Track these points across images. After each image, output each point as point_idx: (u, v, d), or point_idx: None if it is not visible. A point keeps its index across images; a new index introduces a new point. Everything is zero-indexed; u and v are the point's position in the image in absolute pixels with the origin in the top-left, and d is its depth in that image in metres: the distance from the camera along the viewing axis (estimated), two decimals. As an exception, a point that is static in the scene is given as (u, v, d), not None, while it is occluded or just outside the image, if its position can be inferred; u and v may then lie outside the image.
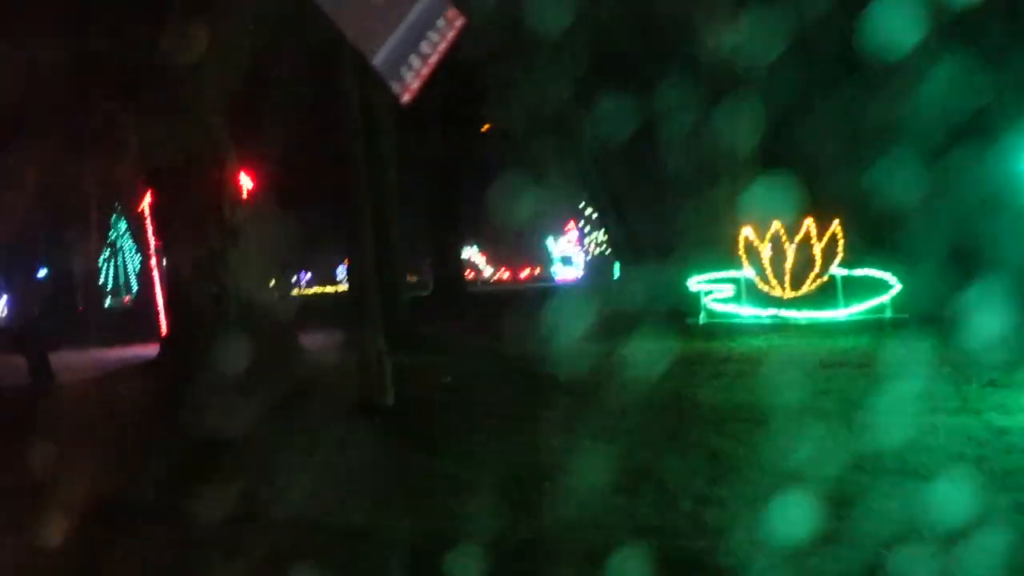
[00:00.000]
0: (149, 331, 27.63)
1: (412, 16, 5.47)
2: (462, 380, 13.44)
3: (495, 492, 6.83)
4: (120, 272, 49.01)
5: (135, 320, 32.54)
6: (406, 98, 5.47)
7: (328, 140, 18.53)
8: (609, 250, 74.77)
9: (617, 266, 71.92)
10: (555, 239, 74.64)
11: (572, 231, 73.35)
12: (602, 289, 29.86)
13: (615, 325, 17.75)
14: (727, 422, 9.19)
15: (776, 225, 16.88)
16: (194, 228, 14.94)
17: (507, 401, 11.39)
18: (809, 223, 16.61)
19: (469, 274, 61.11)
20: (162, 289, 27.24)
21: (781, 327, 16.72)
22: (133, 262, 45.98)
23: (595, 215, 67.18)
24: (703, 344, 15.77)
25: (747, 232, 17.31)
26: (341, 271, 67.17)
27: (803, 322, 16.76)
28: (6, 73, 17.99)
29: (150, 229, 27.22)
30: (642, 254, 25.86)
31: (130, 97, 15.59)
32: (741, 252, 17.30)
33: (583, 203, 71.14)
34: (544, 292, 39.25)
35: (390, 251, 18.90)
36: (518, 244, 76.99)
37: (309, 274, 71.65)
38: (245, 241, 15.35)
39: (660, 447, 8.28)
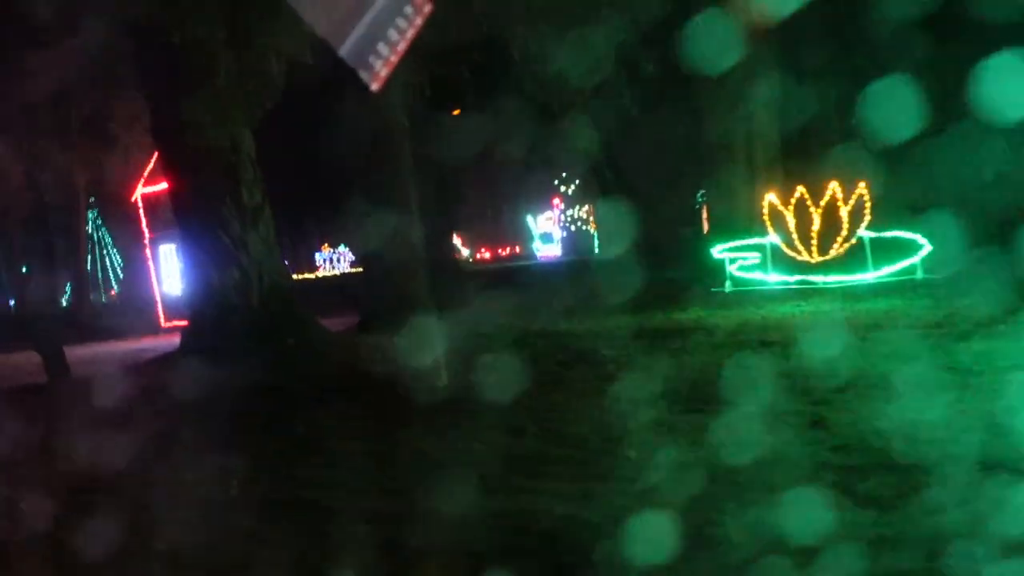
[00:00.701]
0: (142, 324, 27.29)
1: (379, 4, 5.30)
2: (502, 358, 13.05)
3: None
4: (98, 266, 48.18)
5: (124, 314, 32.01)
6: (375, 86, 5.29)
7: (320, 125, 18.32)
8: (590, 226, 74.81)
9: (596, 242, 71.97)
10: (535, 217, 74.42)
11: (552, 208, 73.20)
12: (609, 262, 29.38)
13: (636, 296, 17.57)
14: (812, 390, 8.86)
15: (800, 190, 16.67)
16: (214, 213, 14.53)
17: (559, 378, 11.07)
18: (834, 186, 16.41)
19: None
20: (157, 280, 26.89)
21: (810, 292, 16.52)
22: (112, 256, 45.16)
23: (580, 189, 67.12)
24: (736, 312, 15.52)
25: (771, 198, 17.10)
26: (319, 257, 66.63)
27: (832, 286, 16.56)
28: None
29: (144, 221, 26.82)
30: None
31: (154, 79, 15.03)
32: (766, 218, 17.09)
33: (559, 181, 71.21)
34: (536, 269, 39.08)
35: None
36: (496, 223, 76.81)
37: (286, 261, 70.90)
38: (265, 224, 14.99)
39: (758, 418, 7.97)
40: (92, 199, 39.50)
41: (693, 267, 21.20)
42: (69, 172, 27.58)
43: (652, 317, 15.83)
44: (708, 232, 52.90)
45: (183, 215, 15.22)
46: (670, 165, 31.18)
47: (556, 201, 74.52)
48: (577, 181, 68.83)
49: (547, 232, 76.09)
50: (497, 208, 74.83)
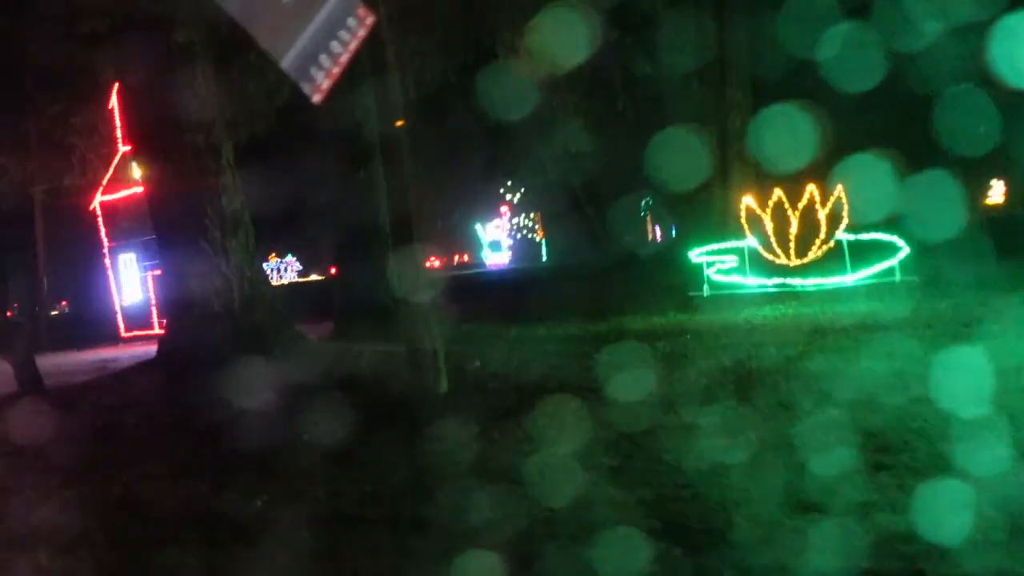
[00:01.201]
0: (100, 335, 26.77)
1: (322, 15, 5.38)
2: (491, 364, 12.93)
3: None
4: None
5: (78, 325, 31.40)
6: (317, 98, 5.37)
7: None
8: (536, 235, 75.01)
9: (545, 249, 72.16)
10: (483, 225, 74.45)
11: (502, 216, 73.38)
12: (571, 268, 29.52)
13: (611, 302, 17.59)
14: (823, 392, 8.82)
15: (778, 193, 16.76)
16: (194, 219, 14.26)
17: (557, 383, 10.97)
18: (812, 189, 16.52)
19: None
20: (117, 290, 26.38)
21: (789, 295, 16.64)
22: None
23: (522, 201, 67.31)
24: (716, 316, 15.57)
25: (748, 201, 17.18)
26: (267, 268, 65.86)
27: (811, 289, 16.68)
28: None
29: (102, 230, 26.30)
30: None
31: (135, 79, 14.73)
32: (743, 221, 17.16)
33: (504, 190, 71.35)
34: (493, 277, 38.91)
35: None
36: (444, 231, 76.72)
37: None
38: (245, 231, 14.76)
39: (772, 416, 7.95)
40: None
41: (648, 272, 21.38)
42: (25, 182, 26.94)
43: (632, 321, 15.83)
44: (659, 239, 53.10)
45: (162, 221, 14.94)
46: (623, 173, 31.43)
47: (504, 210, 74.73)
48: (523, 189, 69.21)
49: (496, 240, 76.27)
50: (445, 216, 74.89)
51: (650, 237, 73.05)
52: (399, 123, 21.65)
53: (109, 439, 9.94)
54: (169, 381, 13.40)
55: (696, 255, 17.71)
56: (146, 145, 15.08)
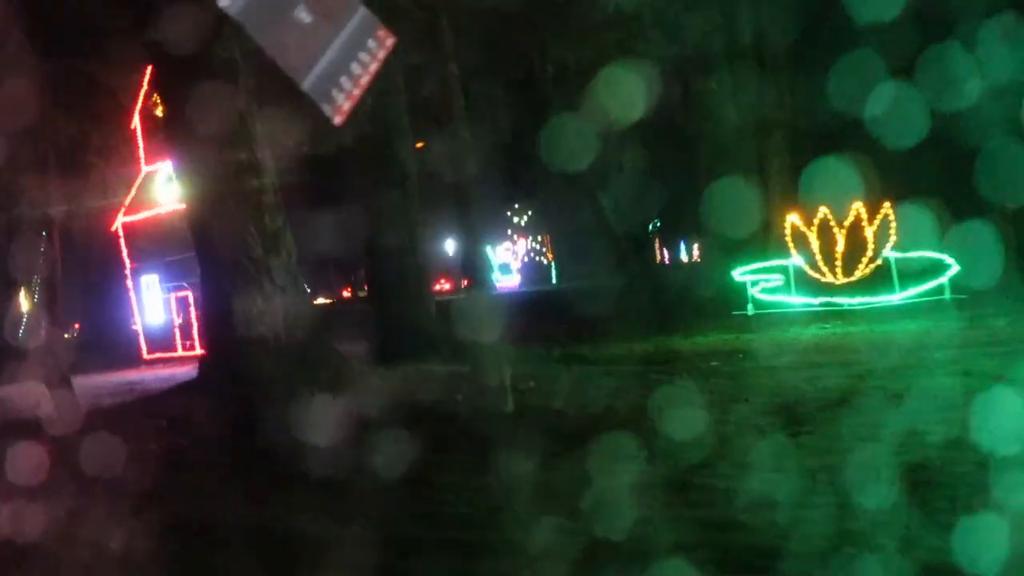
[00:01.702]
0: (121, 357, 26.44)
1: (342, 37, 5.21)
2: (544, 386, 12.62)
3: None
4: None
5: (98, 347, 31.09)
6: (338, 120, 5.12)
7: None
8: (546, 257, 74.82)
9: (555, 271, 71.96)
10: (493, 247, 74.28)
11: (511, 238, 73.29)
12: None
13: (654, 320, 17.30)
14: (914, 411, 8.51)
15: (823, 210, 16.52)
16: (235, 237, 13.96)
17: (619, 404, 10.66)
18: (858, 207, 16.27)
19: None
20: (139, 312, 26.09)
21: (835, 314, 16.37)
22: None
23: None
24: (764, 335, 15.31)
25: (793, 219, 16.93)
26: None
27: (858, 308, 16.41)
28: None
29: (124, 251, 26.05)
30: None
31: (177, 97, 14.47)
32: (788, 239, 16.91)
33: (512, 212, 71.20)
34: (523, 297, 38.40)
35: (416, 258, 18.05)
36: (454, 253, 76.39)
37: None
38: (287, 250, 14.45)
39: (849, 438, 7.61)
40: (44, 232, 38.45)
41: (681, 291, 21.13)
42: (43, 204, 26.65)
43: (677, 341, 15.59)
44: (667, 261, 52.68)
45: (203, 240, 14.61)
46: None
47: (511, 233, 74.71)
48: (530, 212, 69.07)
49: (505, 263, 76.09)
50: (454, 237, 74.73)
51: (658, 259, 73.07)
52: (419, 145, 21.63)
53: (170, 463, 9.63)
54: (214, 404, 13.04)
55: (740, 273, 17.43)
56: (187, 162, 14.77)
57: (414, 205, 18.22)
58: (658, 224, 68.56)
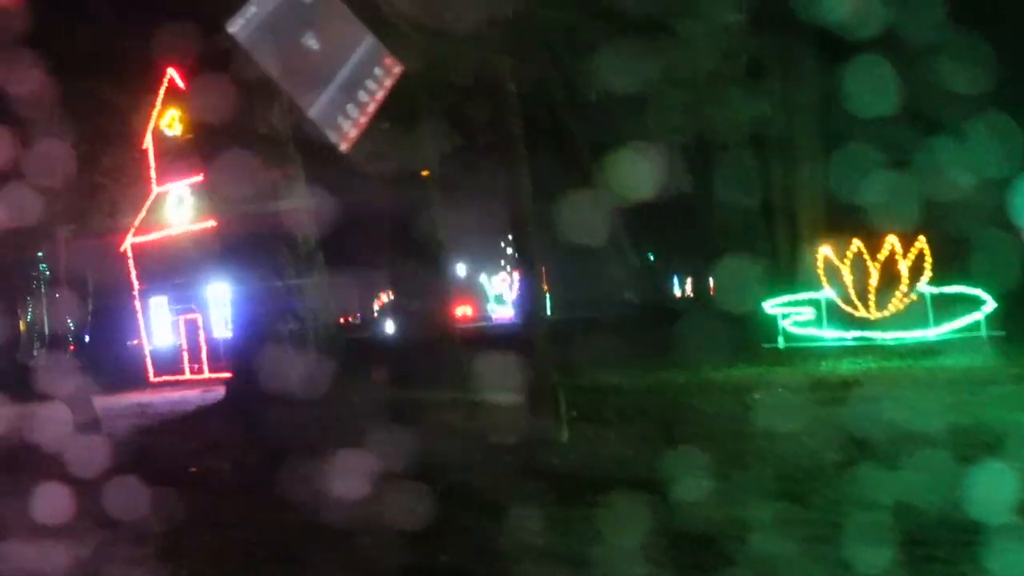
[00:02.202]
0: (126, 379, 25.95)
1: (349, 65, 5.37)
2: (589, 413, 12.27)
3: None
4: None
5: (99, 369, 30.58)
6: (344, 146, 5.35)
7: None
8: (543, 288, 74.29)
9: (549, 303, 71.50)
10: (489, 278, 74.07)
11: (505, 269, 73.11)
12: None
13: (678, 351, 17.02)
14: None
15: (857, 243, 16.34)
16: (267, 256, 13.71)
17: (672, 432, 10.39)
18: (892, 240, 16.10)
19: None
20: (147, 334, 25.70)
21: (869, 349, 16.15)
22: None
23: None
24: (797, 369, 15.07)
25: (826, 251, 16.75)
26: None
27: (891, 343, 16.20)
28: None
29: (133, 272, 25.70)
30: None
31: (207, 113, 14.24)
32: (821, 272, 16.71)
33: (506, 243, 71.08)
34: (515, 330, 38.06)
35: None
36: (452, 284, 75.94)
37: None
38: (319, 271, 14.21)
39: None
40: (40, 254, 38.03)
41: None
42: (51, 224, 26.31)
43: (709, 371, 15.32)
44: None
45: (234, 257, 14.32)
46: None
47: (504, 264, 74.52)
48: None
49: (500, 293, 75.78)
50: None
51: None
52: (424, 173, 21.29)
53: (217, 487, 9.30)
54: (246, 425, 12.72)
55: (771, 306, 17.22)
56: (218, 177, 14.51)
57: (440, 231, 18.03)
58: (651, 258, 68.59)
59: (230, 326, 16.27)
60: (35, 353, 35.40)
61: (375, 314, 54.06)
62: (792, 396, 12.60)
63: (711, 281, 28.14)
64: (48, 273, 32.15)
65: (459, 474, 8.53)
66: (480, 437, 10.04)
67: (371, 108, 5.46)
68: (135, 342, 28.59)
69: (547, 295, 71.46)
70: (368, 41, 5.49)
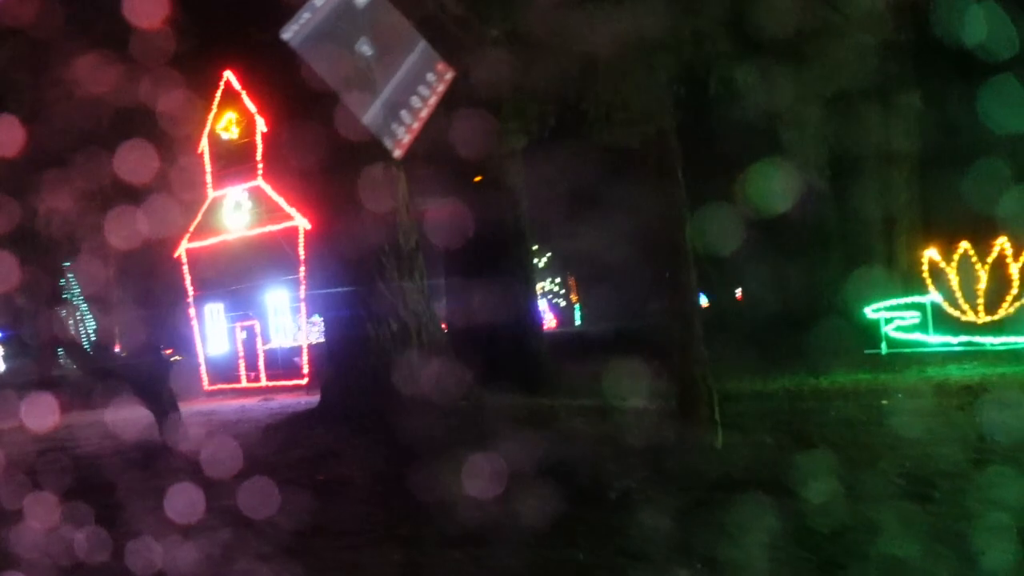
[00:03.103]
0: (179, 388, 25.38)
1: (402, 72, 5.39)
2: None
3: None
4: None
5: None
6: (398, 153, 5.44)
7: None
8: (570, 299, 74.30)
9: (578, 313, 71.47)
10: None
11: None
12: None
13: (777, 357, 16.50)
14: None
15: (964, 245, 15.82)
16: (370, 259, 13.22)
17: (823, 440, 9.87)
18: (1003, 242, 15.56)
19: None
20: (202, 341, 25.19)
21: (975, 355, 15.59)
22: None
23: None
24: (906, 375, 14.56)
25: (932, 254, 16.22)
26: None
27: (999, 348, 15.63)
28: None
29: (187, 278, 25.21)
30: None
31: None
32: (926, 275, 16.18)
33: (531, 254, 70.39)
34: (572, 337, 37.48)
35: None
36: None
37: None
38: (420, 273, 13.72)
39: None
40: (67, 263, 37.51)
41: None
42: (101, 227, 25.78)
43: (816, 379, 14.80)
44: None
45: (334, 261, 13.83)
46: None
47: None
48: (549, 254, 68.53)
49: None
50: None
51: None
52: (477, 179, 20.72)
53: (331, 497, 8.76)
54: (352, 433, 12.18)
55: (874, 311, 16.68)
56: (317, 181, 14.01)
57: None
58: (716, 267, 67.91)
59: (327, 331, 15.65)
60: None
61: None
62: (918, 401, 12.16)
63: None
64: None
65: (623, 481, 8.08)
66: (633, 442, 9.54)
67: (424, 114, 5.46)
68: (168, 351, 28.09)
69: (577, 306, 71.04)
70: (420, 46, 5.48)
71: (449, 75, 5.56)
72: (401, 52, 5.47)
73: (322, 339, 26.09)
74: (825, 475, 7.42)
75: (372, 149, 13.15)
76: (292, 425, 13.98)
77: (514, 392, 14.14)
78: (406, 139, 5.47)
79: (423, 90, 5.46)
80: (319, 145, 13.32)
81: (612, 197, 15.80)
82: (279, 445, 12.72)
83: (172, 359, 25.40)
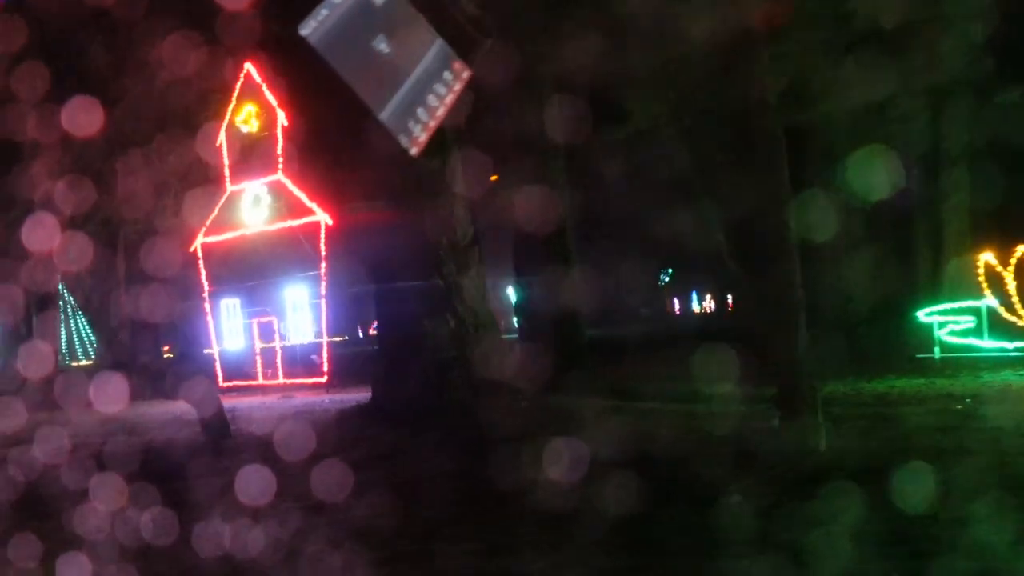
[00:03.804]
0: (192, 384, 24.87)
1: (419, 69, 5.40)
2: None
3: None
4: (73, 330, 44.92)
5: (161, 374, 29.54)
6: (414, 151, 5.38)
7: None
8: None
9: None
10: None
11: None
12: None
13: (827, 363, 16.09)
14: None
15: (1021, 250, 15.54)
16: (426, 254, 12.81)
17: (915, 444, 9.51)
18: (1061, 246, 15.32)
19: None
20: (217, 338, 24.67)
21: (1029, 360, 15.32)
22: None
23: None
24: (963, 381, 14.24)
25: (988, 257, 15.93)
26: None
27: (1058, 354, 15.38)
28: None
29: (203, 273, 24.70)
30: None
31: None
32: (982, 279, 15.89)
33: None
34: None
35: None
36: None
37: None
38: (476, 267, 13.32)
39: None
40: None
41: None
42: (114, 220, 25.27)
43: (872, 384, 14.45)
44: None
45: (389, 256, 13.39)
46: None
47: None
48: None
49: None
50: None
51: (667, 309, 72.12)
52: (493, 178, 20.33)
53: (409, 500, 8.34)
54: (411, 431, 11.73)
55: (926, 315, 16.37)
56: (372, 174, 13.58)
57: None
58: (670, 273, 67.79)
59: (379, 327, 15.18)
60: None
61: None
62: (998, 406, 11.83)
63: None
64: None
65: (734, 484, 7.68)
66: (734, 443, 9.19)
67: (441, 113, 5.41)
68: (166, 348, 27.59)
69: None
70: (437, 45, 5.46)
71: (466, 74, 5.44)
72: (418, 50, 5.40)
73: (341, 337, 25.76)
74: (944, 483, 7.09)
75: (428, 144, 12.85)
76: (344, 423, 13.52)
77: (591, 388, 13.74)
78: (423, 137, 5.33)
79: (440, 88, 5.36)
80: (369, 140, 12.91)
81: (703, 187, 15.55)
82: (340, 442, 12.27)
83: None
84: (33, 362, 20.96)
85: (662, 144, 13.38)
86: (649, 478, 7.20)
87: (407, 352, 13.05)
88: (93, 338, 37.12)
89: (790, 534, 6.05)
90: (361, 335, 45.01)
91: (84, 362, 37.27)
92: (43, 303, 27.92)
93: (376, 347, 15.79)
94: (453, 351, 12.61)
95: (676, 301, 75.72)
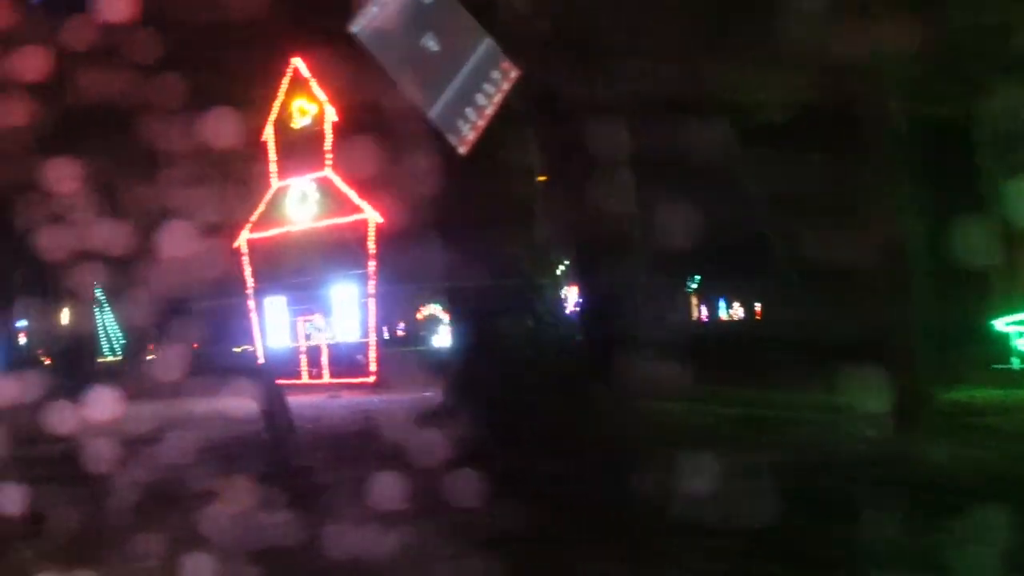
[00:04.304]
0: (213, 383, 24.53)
1: (467, 69, 5.39)
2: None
3: None
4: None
5: (198, 371, 29.28)
6: (462, 149, 5.43)
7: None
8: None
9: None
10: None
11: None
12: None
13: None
14: None
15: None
16: (508, 249, 12.53)
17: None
18: None
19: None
20: (261, 334, 24.41)
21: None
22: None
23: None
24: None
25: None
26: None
27: None
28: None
29: (247, 269, 24.44)
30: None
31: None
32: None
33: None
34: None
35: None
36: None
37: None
38: (550, 266, 13.07)
39: None
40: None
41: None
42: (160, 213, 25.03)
43: (950, 394, 14.06)
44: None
45: (464, 254, 13.06)
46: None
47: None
48: (567, 262, 68.01)
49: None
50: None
51: (695, 316, 71.69)
52: (541, 178, 19.91)
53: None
54: (491, 433, 11.37)
55: (1003, 324, 16.00)
56: (442, 177, 13.25)
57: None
58: (698, 279, 67.38)
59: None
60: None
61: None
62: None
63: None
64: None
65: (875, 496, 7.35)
66: (851, 451, 8.88)
67: (489, 111, 5.49)
68: (195, 346, 27.29)
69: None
70: (486, 43, 5.49)
71: (514, 73, 5.53)
72: (466, 49, 5.49)
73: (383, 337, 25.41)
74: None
75: (509, 135, 12.57)
76: (416, 425, 13.15)
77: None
78: (471, 136, 5.48)
79: (488, 87, 5.47)
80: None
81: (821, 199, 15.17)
82: (421, 446, 11.93)
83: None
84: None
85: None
86: (790, 489, 6.87)
87: (485, 354, 12.75)
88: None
89: (943, 551, 5.72)
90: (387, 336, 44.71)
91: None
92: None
93: (451, 348, 15.46)
94: (531, 353, 12.30)
95: (703, 308, 75.29)
